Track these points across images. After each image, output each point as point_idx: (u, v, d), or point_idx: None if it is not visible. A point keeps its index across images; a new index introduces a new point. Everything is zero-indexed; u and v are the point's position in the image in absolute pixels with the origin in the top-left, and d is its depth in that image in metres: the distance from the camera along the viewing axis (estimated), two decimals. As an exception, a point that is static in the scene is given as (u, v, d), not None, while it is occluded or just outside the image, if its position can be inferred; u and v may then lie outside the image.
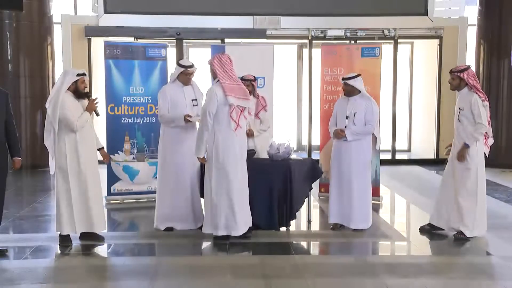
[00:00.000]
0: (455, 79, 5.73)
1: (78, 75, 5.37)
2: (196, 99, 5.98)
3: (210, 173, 5.45)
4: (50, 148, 5.43)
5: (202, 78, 6.48)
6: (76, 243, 5.48)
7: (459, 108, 5.69)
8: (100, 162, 5.60)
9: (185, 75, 5.91)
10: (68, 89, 5.33)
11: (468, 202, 5.65)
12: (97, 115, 5.51)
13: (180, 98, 5.90)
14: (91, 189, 5.41)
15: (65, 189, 5.35)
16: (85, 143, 5.40)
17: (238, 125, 5.39)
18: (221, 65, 5.41)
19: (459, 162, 5.64)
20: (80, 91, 5.38)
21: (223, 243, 5.47)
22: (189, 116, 5.79)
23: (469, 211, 5.65)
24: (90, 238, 5.53)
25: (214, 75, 5.48)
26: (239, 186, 5.45)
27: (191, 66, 5.95)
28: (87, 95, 5.46)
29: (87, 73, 5.50)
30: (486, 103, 5.66)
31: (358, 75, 6.02)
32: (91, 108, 5.40)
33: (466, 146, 5.62)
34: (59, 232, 5.44)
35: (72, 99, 5.34)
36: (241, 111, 5.45)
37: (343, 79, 6.04)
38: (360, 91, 5.96)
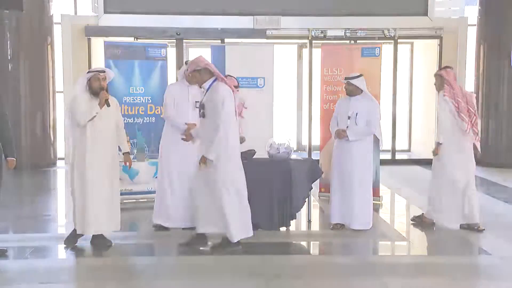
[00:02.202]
0: (436, 79, 6.00)
1: (89, 72, 5.33)
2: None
3: (233, 174, 5.16)
4: None
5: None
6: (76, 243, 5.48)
7: None
8: None
9: None
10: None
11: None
12: (108, 105, 5.24)
13: (183, 99, 5.91)
14: (93, 188, 5.23)
15: (71, 185, 5.33)
16: (96, 140, 5.23)
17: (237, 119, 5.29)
18: (210, 63, 5.24)
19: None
20: (93, 89, 5.24)
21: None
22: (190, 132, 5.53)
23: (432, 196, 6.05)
24: (99, 240, 5.43)
25: (207, 76, 5.17)
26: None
27: None
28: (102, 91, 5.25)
29: (106, 71, 5.35)
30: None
31: (361, 75, 6.02)
32: (101, 100, 5.20)
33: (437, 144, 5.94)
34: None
35: (85, 97, 5.23)
36: None
37: (346, 78, 6.04)
38: (362, 91, 5.96)
